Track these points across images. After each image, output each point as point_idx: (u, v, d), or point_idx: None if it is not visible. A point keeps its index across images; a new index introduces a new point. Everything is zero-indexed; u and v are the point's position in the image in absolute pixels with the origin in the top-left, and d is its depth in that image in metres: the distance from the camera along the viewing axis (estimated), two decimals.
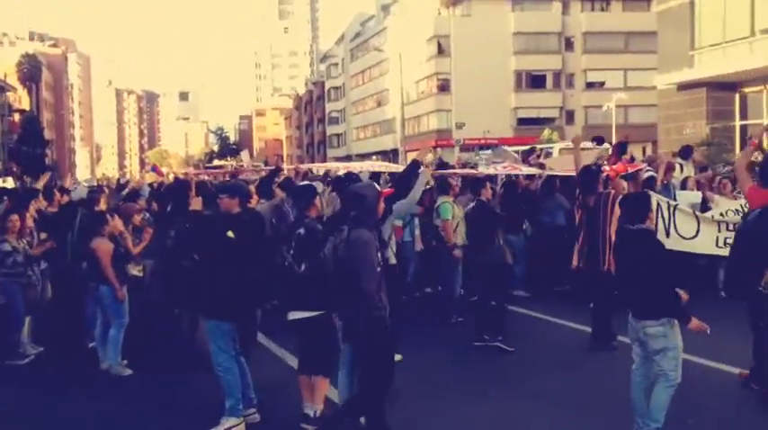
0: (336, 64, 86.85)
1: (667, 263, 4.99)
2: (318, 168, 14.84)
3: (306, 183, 6.86)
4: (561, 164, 12.70)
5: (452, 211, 9.30)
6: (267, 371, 6.78)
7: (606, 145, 15.54)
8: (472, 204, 8.64)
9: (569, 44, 57.56)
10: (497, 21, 55.13)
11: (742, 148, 30.14)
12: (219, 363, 5.69)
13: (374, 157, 67.72)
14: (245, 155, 24.18)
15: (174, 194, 8.43)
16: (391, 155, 64.70)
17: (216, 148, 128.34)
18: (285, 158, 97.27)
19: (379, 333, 4.79)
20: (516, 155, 15.30)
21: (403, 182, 6.69)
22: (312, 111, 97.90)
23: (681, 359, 5.09)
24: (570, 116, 57.56)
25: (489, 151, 15.78)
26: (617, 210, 7.90)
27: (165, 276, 7.71)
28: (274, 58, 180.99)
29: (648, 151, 41.62)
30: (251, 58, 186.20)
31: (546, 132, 35.89)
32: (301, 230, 5.56)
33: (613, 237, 7.90)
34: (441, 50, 58.12)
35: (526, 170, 12.47)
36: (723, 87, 29.79)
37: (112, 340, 7.54)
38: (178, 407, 6.46)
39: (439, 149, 53.70)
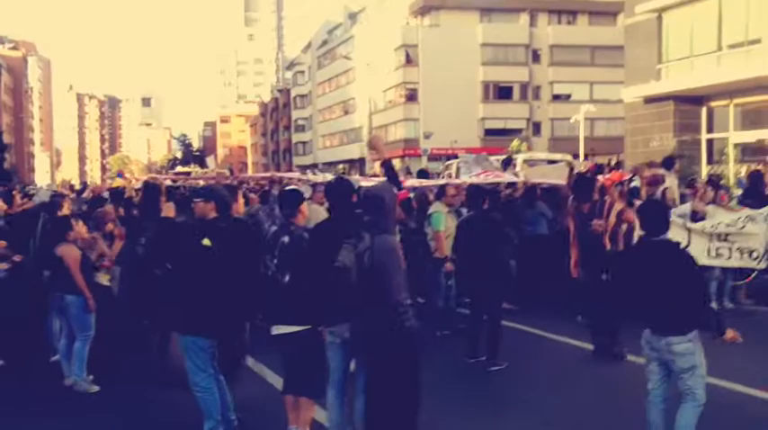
0: (303, 71, 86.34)
1: (698, 274, 4.70)
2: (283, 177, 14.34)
3: (292, 187, 6.48)
4: (541, 175, 12.54)
5: (445, 222, 8.92)
6: (247, 389, 6.33)
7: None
8: (468, 214, 8.30)
9: (536, 56, 57.92)
10: (465, 31, 55.23)
11: (709, 162, 30.46)
12: (197, 383, 5.27)
13: (340, 166, 67.47)
14: (210, 161, 23.72)
15: (144, 199, 7.97)
16: (358, 164, 64.45)
17: (179, 155, 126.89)
18: (250, 166, 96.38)
19: (410, 347, 4.35)
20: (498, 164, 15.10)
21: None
22: (278, 118, 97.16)
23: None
24: (537, 128, 57.87)
25: (470, 156, 15.39)
26: (612, 219, 7.71)
27: (135, 285, 7.24)
28: (239, 64, 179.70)
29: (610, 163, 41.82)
30: (216, 64, 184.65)
31: (515, 143, 35.93)
32: (285, 238, 5.17)
33: (608, 246, 7.73)
34: (409, 60, 58.03)
35: (510, 178, 12.20)
36: (690, 101, 30.04)
37: (77, 354, 7.06)
38: (150, 427, 6.02)
39: (407, 158, 53.64)
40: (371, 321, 4.29)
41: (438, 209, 9.16)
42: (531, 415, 6.15)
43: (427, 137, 51.48)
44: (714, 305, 10.29)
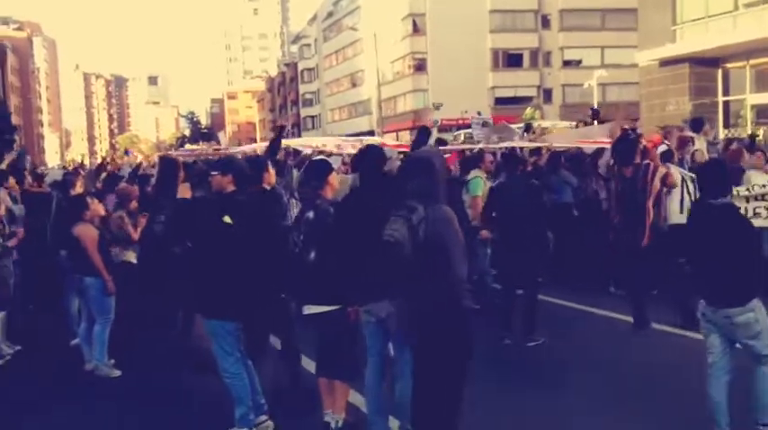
0: (309, 45, 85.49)
1: (757, 239, 4.37)
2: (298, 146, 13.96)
3: (320, 157, 6.17)
4: (582, 135, 12.16)
5: (483, 188, 8.61)
6: (277, 371, 6.03)
7: None
8: (501, 180, 7.92)
9: (546, 22, 56.94)
10: None
11: (725, 125, 29.93)
12: (226, 369, 5.00)
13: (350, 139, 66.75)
14: (222, 137, 23.38)
15: (161, 175, 7.68)
16: (367, 136, 63.92)
17: (187, 133, 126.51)
18: (259, 141, 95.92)
19: (465, 328, 3.97)
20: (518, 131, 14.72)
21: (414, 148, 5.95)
22: (285, 93, 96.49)
23: None
24: (548, 95, 57.09)
25: (481, 118, 14.74)
26: (657, 184, 7.39)
27: (154, 265, 6.98)
28: (244, 40, 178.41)
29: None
30: (221, 40, 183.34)
31: (528, 111, 35.33)
32: (310, 214, 4.88)
33: (651, 211, 7.42)
34: (416, 29, 57.22)
35: (530, 144, 11.82)
36: (706, 63, 29.47)
37: (98, 337, 6.82)
38: (175, 413, 5.77)
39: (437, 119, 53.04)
40: (427, 298, 3.90)
41: (477, 174, 8.89)
42: (576, 393, 5.86)
43: (437, 107, 50.89)
44: None
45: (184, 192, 5.81)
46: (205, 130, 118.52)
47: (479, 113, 17.33)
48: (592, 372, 6.38)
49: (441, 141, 14.60)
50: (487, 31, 55.60)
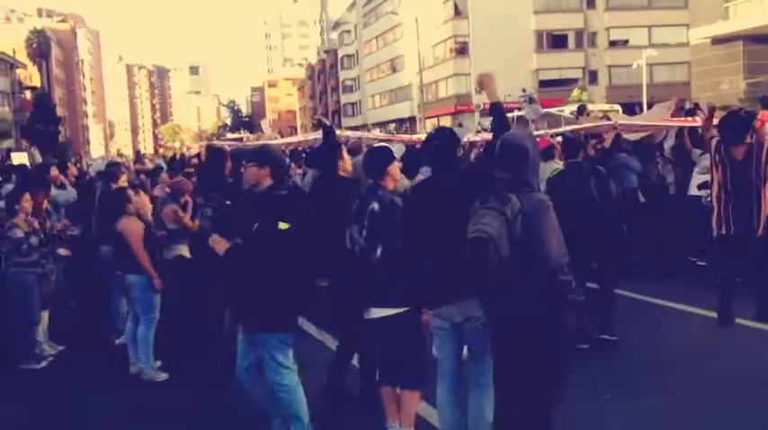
0: (349, 31, 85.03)
1: None
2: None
3: (381, 144, 5.69)
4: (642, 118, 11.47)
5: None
6: (322, 371, 5.51)
7: None
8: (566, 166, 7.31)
9: (591, 2, 55.45)
10: None
11: None
12: (280, 382, 4.48)
13: (391, 125, 66.32)
14: (265, 124, 23.04)
15: (208, 166, 7.28)
16: (408, 123, 63.31)
17: (228, 122, 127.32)
18: (299, 130, 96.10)
19: (567, 328, 3.53)
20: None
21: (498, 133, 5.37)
22: (325, 80, 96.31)
23: None
24: (594, 76, 55.71)
25: (528, 95, 13.93)
26: None
27: (202, 262, 6.59)
28: (284, 27, 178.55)
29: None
30: (260, 28, 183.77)
31: (575, 92, 34.30)
32: (375, 205, 4.36)
33: (766, 195, 6.77)
34: (458, 12, 56.26)
35: (600, 124, 10.95)
36: (760, 40, 28.42)
37: (142, 339, 6.46)
38: (226, 423, 5.38)
39: (459, 115, 52.34)
40: (525, 301, 3.45)
41: (553, 164, 8.39)
42: (660, 396, 5.32)
43: (479, 91, 49.89)
44: None
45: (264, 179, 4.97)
46: (246, 119, 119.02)
47: (524, 90, 16.53)
48: (675, 373, 5.84)
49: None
50: (531, 12, 54.44)
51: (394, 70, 70.84)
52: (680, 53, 46.60)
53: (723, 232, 7.01)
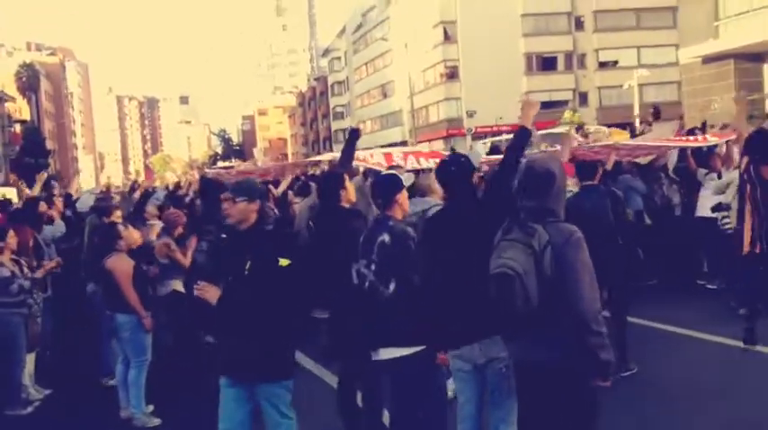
0: (339, 58, 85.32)
1: None
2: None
3: (389, 172, 5.40)
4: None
5: None
6: (330, 413, 5.20)
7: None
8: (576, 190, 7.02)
9: (579, 23, 55.80)
10: (504, 3, 53.33)
11: None
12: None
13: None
14: (258, 152, 22.73)
15: (204, 197, 6.97)
16: (400, 147, 63.25)
17: (219, 150, 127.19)
18: (290, 157, 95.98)
19: (594, 388, 3.18)
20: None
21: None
22: (316, 107, 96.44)
23: None
24: (584, 98, 55.87)
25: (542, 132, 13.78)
26: None
27: (197, 299, 6.24)
28: (274, 56, 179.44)
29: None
30: (250, 57, 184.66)
31: (567, 114, 34.30)
32: (385, 237, 4.07)
33: None
34: (447, 37, 56.47)
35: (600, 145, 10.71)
36: (751, 58, 28.41)
37: (134, 383, 6.09)
38: None
39: (452, 139, 52.29)
40: (554, 343, 3.14)
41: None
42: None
43: (470, 115, 50.08)
44: None
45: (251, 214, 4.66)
46: (237, 147, 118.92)
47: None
48: (700, 415, 5.51)
49: (497, 149, 13.72)
50: (520, 35, 54.68)
51: (385, 96, 70.95)
52: (670, 73, 46.80)
53: (757, 251, 6.71)
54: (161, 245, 7.08)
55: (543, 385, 3.19)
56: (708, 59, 30.14)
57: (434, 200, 5.75)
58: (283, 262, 3.96)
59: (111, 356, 7.18)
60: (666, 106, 43.94)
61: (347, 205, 5.24)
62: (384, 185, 4.35)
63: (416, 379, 3.99)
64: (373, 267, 4.09)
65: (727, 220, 7.75)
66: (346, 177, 5.35)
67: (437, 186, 6.56)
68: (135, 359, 6.11)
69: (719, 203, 8.24)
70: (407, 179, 6.05)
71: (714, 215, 9.09)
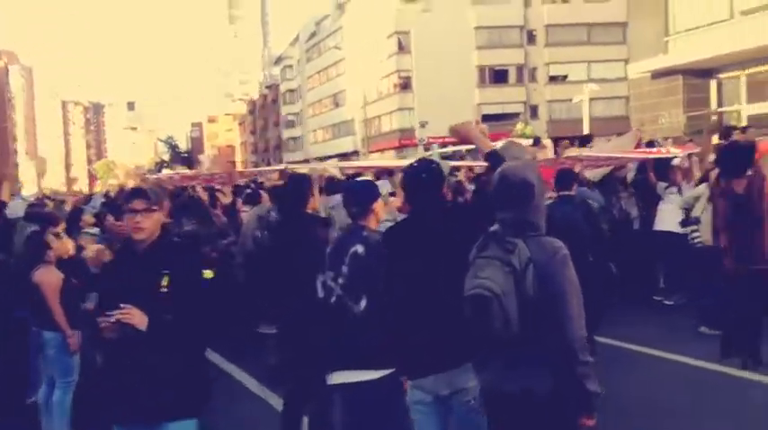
0: (291, 66, 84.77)
1: None
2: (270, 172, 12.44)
3: (365, 178, 5.08)
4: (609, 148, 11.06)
5: None
6: None
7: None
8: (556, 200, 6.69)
9: (531, 37, 56.34)
10: (458, 15, 53.57)
11: (721, 137, 29.29)
12: None
13: (333, 160, 65.65)
14: (205, 159, 22.10)
15: None
16: (351, 157, 62.87)
17: (166, 157, 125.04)
18: (239, 165, 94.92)
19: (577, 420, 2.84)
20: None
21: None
22: (267, 115, 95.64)
23: None
24: (534, 111, 56.35)
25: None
26: None
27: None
28: (225, 63, 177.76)
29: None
30: (201, 64, 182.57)
31: (519, 126, 34.41)
32: (359, 248, 3.72)
33: None
34: (401, 47, 56.40)
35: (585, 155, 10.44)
36: (699, 74, 28.85)
37: (58, 405, 5.54)
38: None
39: (404, 149, 52.15)
40: (536, 372, 2.79)
41: None
42: None
43: (423, 126, 50.02)
44: None
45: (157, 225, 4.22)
46: (185, 154, 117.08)
47: (479, 124, 16.27)
48: (659, 421, 5.24)
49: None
50: (473, 48, 54.92)
51: (337, 105, 70.64)
52: (619, 88, 47.48)
53: (727, 266, 6.54)
54: (94, 251, 6.52)
55: (522, 419, 2.81)
56: (657, 75, 30.50)
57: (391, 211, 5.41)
58: (208, 273, 3.48)
59: (37, 374, 6.61)
60: (615, 121, 44.66)
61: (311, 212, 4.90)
62: (359, 193, 4.00)
63: (380, 406, 3.58)
64: (341, 280, 3.73)
65: (696, 235, 7.55)
66: (315, 184, 5.03)
67: (391, 199, 6.22)
68: (60, 380, 5.57)
69: (688, 217, 8.05)
70: (383, 186, 5.71)
71: (675, 229, 8.93)
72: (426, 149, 41.10)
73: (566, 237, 5.67)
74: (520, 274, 2.77)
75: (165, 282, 3.35)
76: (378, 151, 56.57)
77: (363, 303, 3.61)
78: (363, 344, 3.58)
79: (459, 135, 3.90)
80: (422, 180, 3.56)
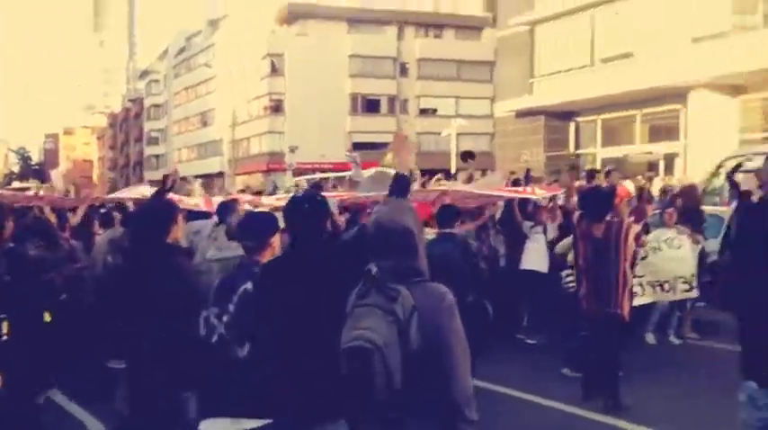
0: (158, 80, 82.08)
1: None
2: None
3: (261, 210, 4.70)
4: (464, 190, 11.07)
5: None
6: None
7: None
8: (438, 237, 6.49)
9: (404, 69, 57.45)
10: (334, 42, 53.86)
11: (577, 178, 30.87)
12: None
13: (199, 180, 63.86)
14: (56, 176, 20.70)
15: None
16: (215, 179, 61.42)
17: (16, 169, 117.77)
18: (96, 180, 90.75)
19: None
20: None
21: None
22: (129, 130, 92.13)
23: None
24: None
25: (354, 157, 13.51)
26: (631, 243, 6.37)
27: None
28: (87, 72, 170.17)
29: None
30: (61, 72, 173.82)
31: (389, 157, 34.76)
32: (248, 285, 3.39)
33: (629, 275, 6.42)
34: (274, 69, 55.87)
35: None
36: (560, 116, 30.24)
37: None
38: None
39: (272, 173, 51.45)
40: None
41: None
42: None
43: (293, 150, 49.67)
44: (652, 339, 9.26)
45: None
46: (36, 167, 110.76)
47: (351, 151, 16.21)
48: None
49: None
50: (347, 76, 55.29)
51: (205, 124, 68.97)
52: (485, 124, 49.16)
53: (586, 308, 6.66)
54: None
55: None
56: (521, 114, 31.68)
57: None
58: (47, 316, 3.08)
59: None
60: (481, 156, 45.89)
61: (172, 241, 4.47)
62: (256, 225, 3.71)
63: None
64: (226, 318, 3.40)
65: (570, 279, 7.66)
66: (179, 212, 4.59)
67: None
68: None
69: (564, 260, 8.19)
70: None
71: (540, 268, 9.08)
72: (295, 175, 40.73)
73: (446, 276, 5.54)
74: (404, 324, 2.54)
75: (4, 329, 2.99)
76: (245, 173, 55.58)
77: (248, 347, 3.29)
78: (242, 389, 3.25)
79: (399, 140, 3.78)
80: (303, 211, 3.29)
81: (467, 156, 14.58)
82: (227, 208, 6.55)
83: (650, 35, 25.05)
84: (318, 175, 32.09)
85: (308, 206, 3.31)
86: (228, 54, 59.94)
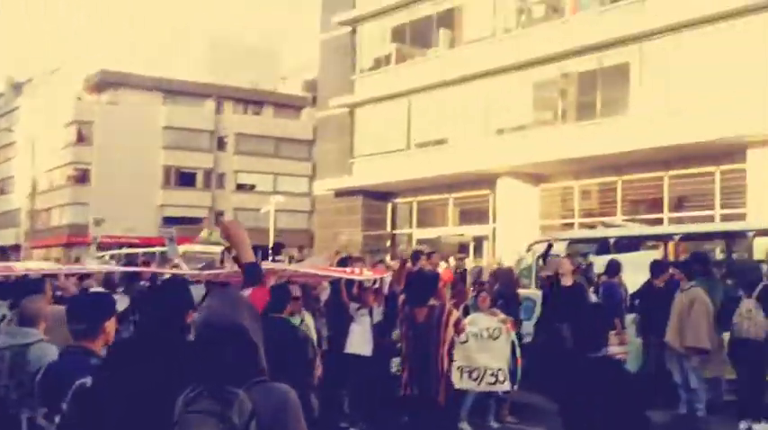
0: None
1: None
2: None
3: (96, 290, 4.01)
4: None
5: None
6: None
7: None
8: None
9: (222, 144, 56.69)
10: (147, 112, 52.17)
11: (393, 257, 31.46)
12: None
13: None
14: None
15: None
16: (11, 253, 56.61)
17: None
18: None
19: None
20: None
21: None
22: None
23: None
24: (220, 217, 56.10)
25: (171, 233, 12.89)
26: (450, 329, 6.27)
27: None
28: None
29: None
30: None
31: (204, 233, 33.60)
32: (86, 380, 2.84)
33: (446, 359, 6.29)
34: (81, 138, 52.99)
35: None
36: (378, 196, 30.93)
37: None
38: None
39: (74, 248, 48.13)
40: None
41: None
42: None
43: (98, 223, 46.94)
44: (466, 426, 9.24)
45: None
46: None
47: (167, 227, 15.53)
48: None
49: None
50: (160, 147, 53.62)
51: (2, 191, 63.79)
52: (303, 202, 49.34)
53: (408, 394, 6.49)
54: None
55: None
56: (340, 193, 32.03)
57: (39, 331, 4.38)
58: None
59: None
60: (297, 234, 45.86)
61: None
62: (88, 307, 3.26)
63: None
64: (59, 420, 2.86)
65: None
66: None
67: None
68: None
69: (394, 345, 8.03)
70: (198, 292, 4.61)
71: (364, 352, 8.89)
72: (99, 249, 38.32)
73: (281, 364, 5.10)
74: None
75: None
76: (44, 247, 51.66)
77: None
78: None
79: (227, 232, 3.39)
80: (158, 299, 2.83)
81: (279, 247, 14.50)
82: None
83: (462, 123, 26.49)
84: (125, 250, 30.34)
85: (152, 296, 2.88)
86: (33, 120, 56.36)
